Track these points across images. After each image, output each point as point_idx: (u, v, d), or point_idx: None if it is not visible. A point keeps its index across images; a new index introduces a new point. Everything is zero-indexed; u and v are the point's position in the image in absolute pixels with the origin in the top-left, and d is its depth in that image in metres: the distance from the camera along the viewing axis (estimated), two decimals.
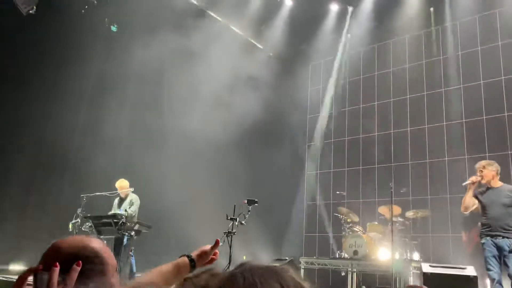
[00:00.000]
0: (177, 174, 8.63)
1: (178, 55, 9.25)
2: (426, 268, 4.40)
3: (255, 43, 11.58)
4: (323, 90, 12.14)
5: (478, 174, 5.18)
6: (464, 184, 5.34)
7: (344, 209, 8.89)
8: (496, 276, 4.58)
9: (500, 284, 4.51)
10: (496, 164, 5.22)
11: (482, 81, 9.48)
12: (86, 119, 8.36)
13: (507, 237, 4.78)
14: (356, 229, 8.40)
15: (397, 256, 7.58)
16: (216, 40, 9.70)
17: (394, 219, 7.83)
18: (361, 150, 11.02)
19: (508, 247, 4.73)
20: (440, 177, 9.56)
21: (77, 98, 8.24)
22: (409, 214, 8.28)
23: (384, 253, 7.73)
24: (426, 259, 7.67)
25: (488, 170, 5.12)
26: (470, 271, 4.31)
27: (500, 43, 9.36)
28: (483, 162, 5.27)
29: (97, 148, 7.98)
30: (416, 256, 7.90)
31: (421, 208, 8.60)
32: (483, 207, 5.10)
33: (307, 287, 1.02)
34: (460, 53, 9.91)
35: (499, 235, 4.82)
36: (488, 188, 5.16)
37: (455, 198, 8.82)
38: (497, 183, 5.11)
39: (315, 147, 11.86)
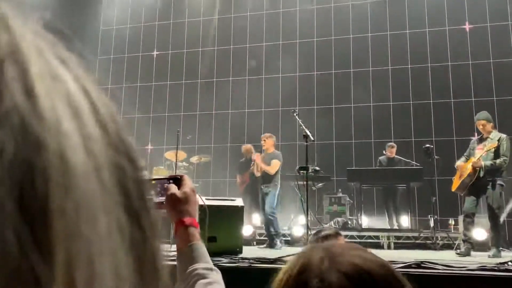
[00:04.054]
0: None
1: None
2: (203, 201, 4.84)
3: None
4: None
5: (262, 143, 6.88)
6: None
7: None
8: None
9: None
10: (274, 137, 7.05)
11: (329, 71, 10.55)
12: None
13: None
14: None
15: None
16: None
17: (179, 163, 8.26)
18: (152, 98, 11.08)
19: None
20: (223, 128, 10.45)
21: None
22: (193, 159, 8.83)
23: None
24: None
25: (270, 140, 6.88)
26: (238, 202, 4.96)
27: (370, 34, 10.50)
28: (266, 135, 6.97)
29: None
30: (197, 197, 8.52)
31: (205, 154, 9.27)
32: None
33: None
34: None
35: None
36: (266, 154, 6.81)
37: (234, 148, 9.79)
38: (271, 150, 6.85)
39: (104, 90, 11.34)
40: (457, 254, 5.60)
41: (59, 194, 0.18)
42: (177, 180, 1.00)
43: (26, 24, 0.21)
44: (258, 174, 7.01)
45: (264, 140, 6.90)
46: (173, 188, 0.97)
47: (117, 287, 0.19)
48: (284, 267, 0.64)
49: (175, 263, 0.94)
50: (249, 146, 8.42)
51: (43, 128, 0.18)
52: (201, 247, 0.94)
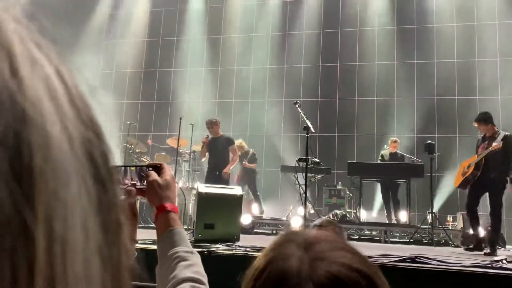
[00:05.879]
0: None
1: None
2: (202, 188, 4.87)
3: None
4: None
5: (210, 129, 6.97)
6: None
7: (133, 140, 8.91)
8: None
9: None
10: (219, 120, 7.10)
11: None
12: None
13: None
14: (144, 159, 8.56)
15: (180, 184, 8.08)
16: None
17: (180, 150, 8.28)
18: (156, 84, 11.09)
19: None
20: (227, 117, 10.47)
21: None
22: (196, 146, 8.83)
23: None
24: None
25: (216, 125, 7.00)
26: (237, 190, 5.00)
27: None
28: (211, 120, 7.02)
29: None
30: (197, 185, 8.55)
31: None
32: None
33: None
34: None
35: None
36: (213, 138, 7.04)
37: (235, 138, 9.80)
38: (219, 134, 7.03)
39: (109, 74, 11.37)
40: (466, 249, 5.66)
41: (40, 159, 0.21)
42: (157, 168, 1.02)
43: (7, 11, 0.23)
44: (203, 159, 7.01)
45: (212, 125, 6.90)
46: (154, 175, 0.99)
47: (85, 238, 0.23)
48: (257, 263, 0.56)
49: (155, 247, 0.97)
50: (239, 140, 8.51)
51: (28, 105, 0.21)
52: (182, 232, 0.97)
